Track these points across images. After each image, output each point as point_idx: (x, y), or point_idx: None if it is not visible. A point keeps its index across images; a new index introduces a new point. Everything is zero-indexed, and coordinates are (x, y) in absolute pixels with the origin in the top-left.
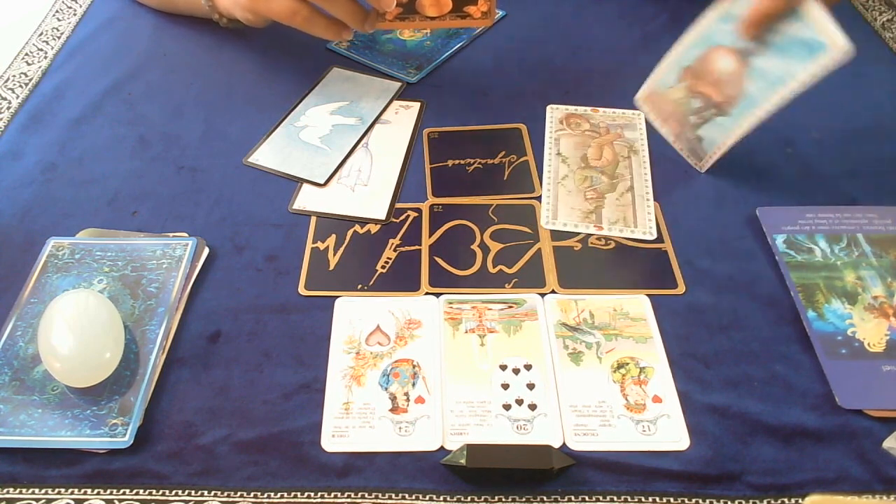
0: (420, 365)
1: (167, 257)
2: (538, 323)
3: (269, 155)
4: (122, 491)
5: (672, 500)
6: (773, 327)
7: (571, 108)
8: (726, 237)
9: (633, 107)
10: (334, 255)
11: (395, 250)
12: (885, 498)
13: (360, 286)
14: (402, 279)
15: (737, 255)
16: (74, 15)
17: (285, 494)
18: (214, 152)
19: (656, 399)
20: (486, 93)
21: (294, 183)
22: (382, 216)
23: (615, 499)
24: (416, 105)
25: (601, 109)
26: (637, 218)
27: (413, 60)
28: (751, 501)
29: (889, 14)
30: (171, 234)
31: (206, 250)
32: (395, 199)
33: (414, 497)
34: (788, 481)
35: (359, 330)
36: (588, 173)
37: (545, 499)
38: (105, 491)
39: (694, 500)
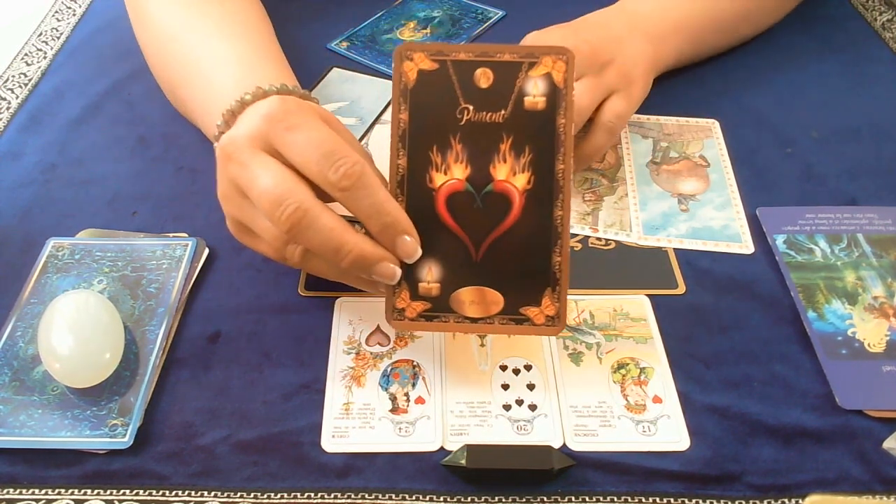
0: (420, 365)
1: (167, 258)
2: None
3: None
4: (122, 491)
5: (672, 500)
6: (773, 327)
7: None
8: None
9: (637, 109)
10: None
11: None
12: (885, 498)
13: None
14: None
15: (737, 255)
16: (74, 15)
17: (285, 495)
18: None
19: (656, 399)
20: None
21: None
22: None
23: (615, 499)
24: None
25: None
26: (633, 222)
27: None
28: (751, 502)
29: (889, 14)
30: (171, 235)
31: (206, 250)
32: None
33: (414, 497)
34: (788, 482)
35: (359, 330)
36: (588, 175)
37: (545, 499)
38: (105, 491)
39: (694, 501)
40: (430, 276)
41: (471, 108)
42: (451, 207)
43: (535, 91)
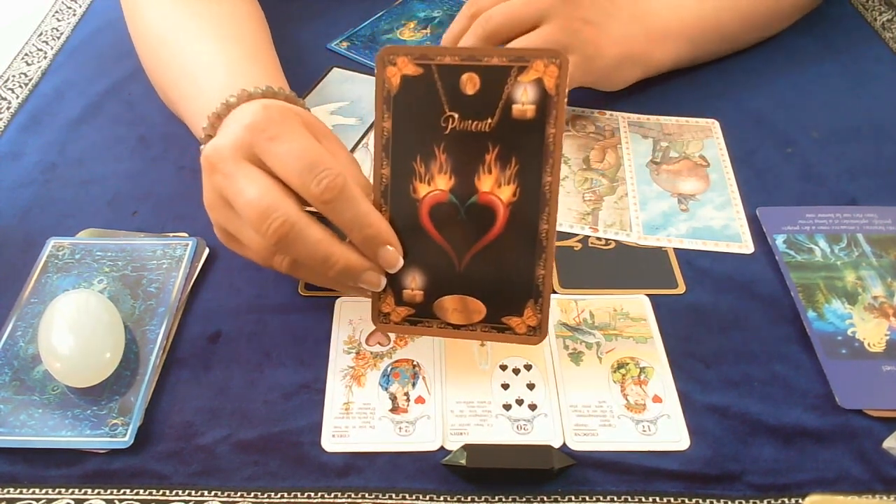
0: (420, 365)
1: (167, 257)
2: None
3: None
4: (122, 491)
5: (672, 500)
6: (773, 327)
7: (578, 110)
8: None
9: (638, 109)
10: None
11: None
12: (885, 498)
13: None
14: None
15: (737, 254)
16: (74, 15)
17: (285, 494)
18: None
19: (656, 399)
20: None
21: None
22: None
23: (615, 499)
24: None
25: (608, 112)
26: (633, 221)
27: None
28: (751, 501)
29: (889, 14)
30: (172, 234)
31: (207, 250)
32: None
33: (414, 497)
34: (788, 481)
35: (359, 330)
36: (589, 175)
37: (545, 499)
38: (105, 491)
39: (694, 500)
40: (414, 283)
41: (456, 116)
42: (434, 218)
43: (523, 98)
